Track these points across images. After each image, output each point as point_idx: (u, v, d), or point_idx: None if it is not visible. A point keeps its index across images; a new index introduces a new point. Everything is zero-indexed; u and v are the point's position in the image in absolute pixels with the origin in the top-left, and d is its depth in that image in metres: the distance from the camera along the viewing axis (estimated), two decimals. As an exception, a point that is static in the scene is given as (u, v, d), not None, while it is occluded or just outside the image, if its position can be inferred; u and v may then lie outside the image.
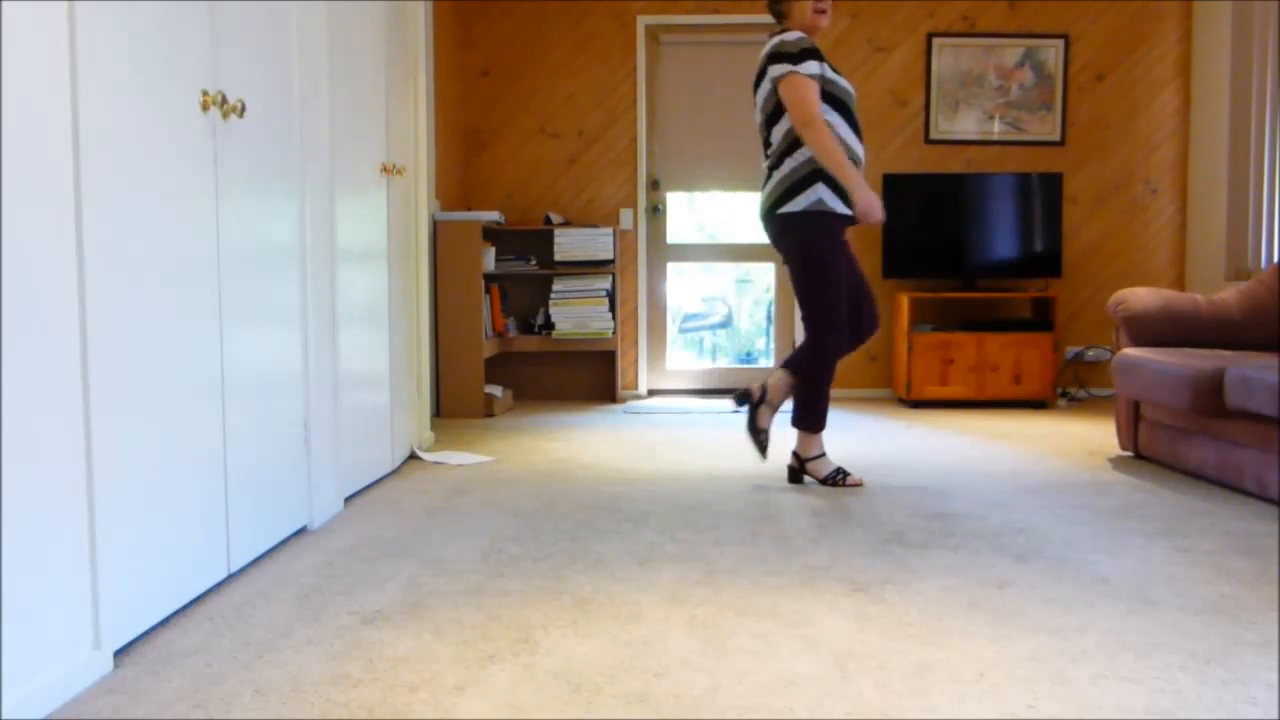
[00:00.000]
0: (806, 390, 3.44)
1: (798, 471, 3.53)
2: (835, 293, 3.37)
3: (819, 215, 3.34)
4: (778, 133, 3.39)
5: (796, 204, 3.35)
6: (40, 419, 1.67)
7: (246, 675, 1.85)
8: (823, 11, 3.39)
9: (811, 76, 3.29)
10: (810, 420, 3.45)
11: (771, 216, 3.42)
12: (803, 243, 3.36)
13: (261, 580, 2.42)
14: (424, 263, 4.29)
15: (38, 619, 1.67)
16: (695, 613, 2.18)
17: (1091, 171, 6.04)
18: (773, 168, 3.43)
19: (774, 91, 3.36)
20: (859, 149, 3.39)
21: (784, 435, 4.53)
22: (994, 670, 1.86)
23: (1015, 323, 5.63)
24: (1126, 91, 6.01)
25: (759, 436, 3.51)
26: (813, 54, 3.31)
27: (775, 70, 3.33)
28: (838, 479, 3.47)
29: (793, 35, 3.34)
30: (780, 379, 3.48)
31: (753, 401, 3.51)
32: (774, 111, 3.39)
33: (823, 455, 3.49)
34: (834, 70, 3.37)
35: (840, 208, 3.36)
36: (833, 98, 3.34)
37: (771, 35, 3.41)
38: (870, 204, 3.29)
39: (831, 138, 3.26)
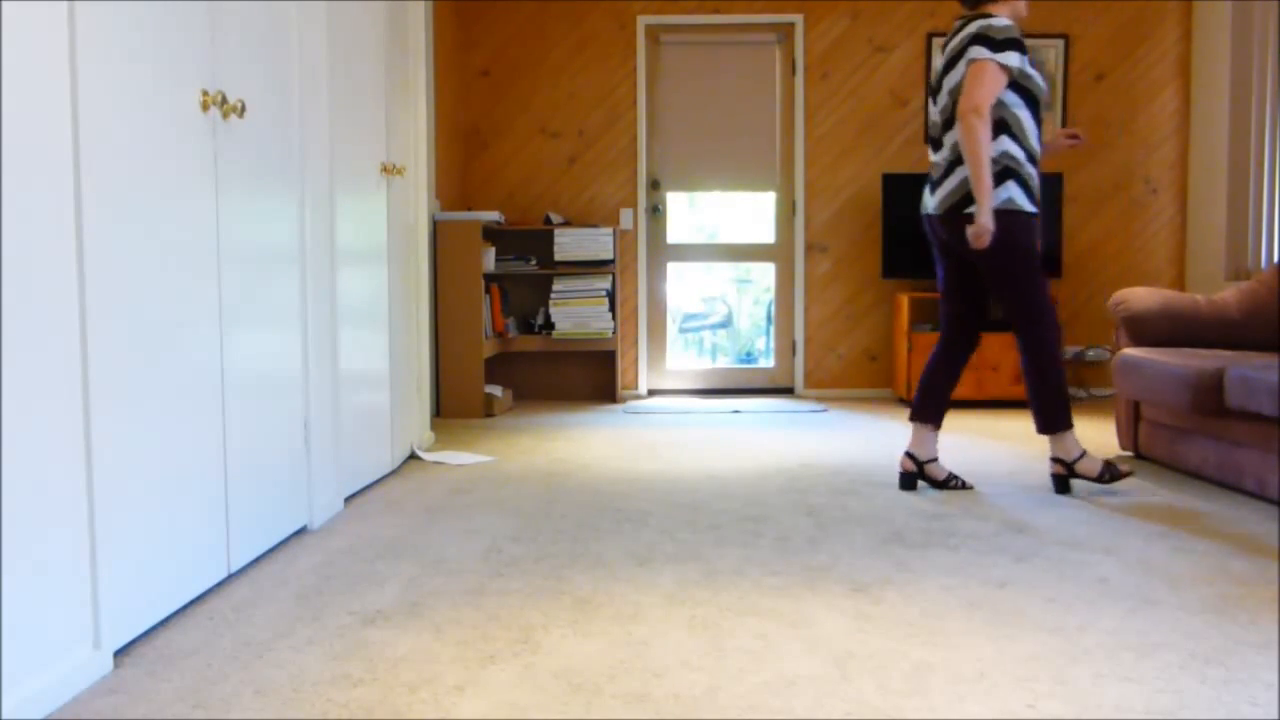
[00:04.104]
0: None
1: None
2: (1044, 282, 3.21)
3: (1011, 214, 3.17)
4: None
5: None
6: (40, 419, 1.67)
7: (246, 675, 1.85)
8: None
9: (1010, 68, 3.14)
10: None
11: (956, 217, 3.24)
12: (1001, 242, 3.18)
13: (261, 580, 2.42)
14: (424, 263, 4.29)
15: (38, 619, 1.67)
16: (695, 613, 2.18)
17: (1091, 171, 6.04)
18: (956, 162, 3.24)
19: None
20: (1039, 147, 3.24)
21: (799, 440, 4.51)
22: (994, 670, 1.86)
23: (1015, 323, 5.62)
24: (1126, 91, 6.01)
25: (1112, 471, 3.29)
26: (1017, 45, 3.16)
27: (975, 53, 3.15)
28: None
29: (1001, 21, 3.17)
30: (1052, 441, 3.31)
31: (1067, 476, 3.34)
32: None
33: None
34: (1032, 65, 3.22)
35: (1029, 206, 3.20)
36: (1027, 93, 3.20)
37: (969, 18, 3.25)
38: (984, 229, 3.11)
39: (989, 140, 3.11)
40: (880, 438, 4.55)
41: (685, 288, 6.47)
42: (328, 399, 3.04)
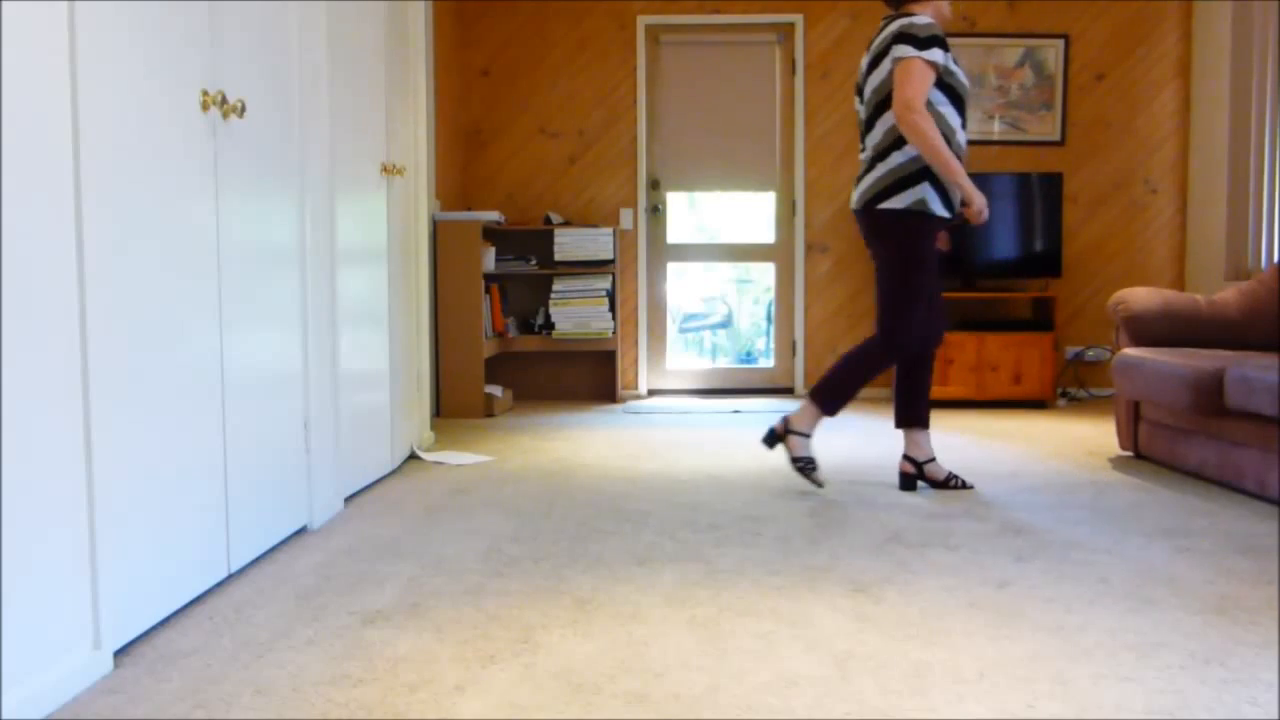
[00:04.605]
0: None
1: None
2: (919, 296, 3.26)
3: (919, 216, 3.21)
4: (889, 120, 3.24)
5: (898, 201, 3.21)
6: (40, 419, 1.67)
7: (246, 675, 1.85)
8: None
9: (934, 64, 3.16)
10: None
11: (870, 210, 3.29)
12: (898, 242, 3.23)
13: (261, 580, 2.42)
14: (424, 263, 4.29)
15: (38, 619, 1.67)
16: (695, 613, 2.18)
17: (1091, 171, 6.04)
18: (877, 158, 3.28)
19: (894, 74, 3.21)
20: (964, 147, 3.28)
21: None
22: (994, 670, 1.86)
23: (1015, 323, 5.63)
24: (1126, 91, 6.01)
25: (801, 465, 3.33)
26: (941, 42, 3.19)
27: (900, 51, 3.17)
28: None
29: (923, 20, 3.19)
30: (805, 405, 3.35)
31: (779, 436, 3.38)
32: (889, 96, 3.24)
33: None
34: (955, 63, 3.25)
35: (941, 210, 3.23)
36: (951, 90, 3.22)
37: (893, 17, 3.27)
38: (984, 204, 3.23)
39: (936, 130, 3.14)
40: (880, 438, 4.55)
41: (685, 288, 6.46)
42: (328, 399, 3.04)
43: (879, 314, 3.32)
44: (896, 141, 3.24)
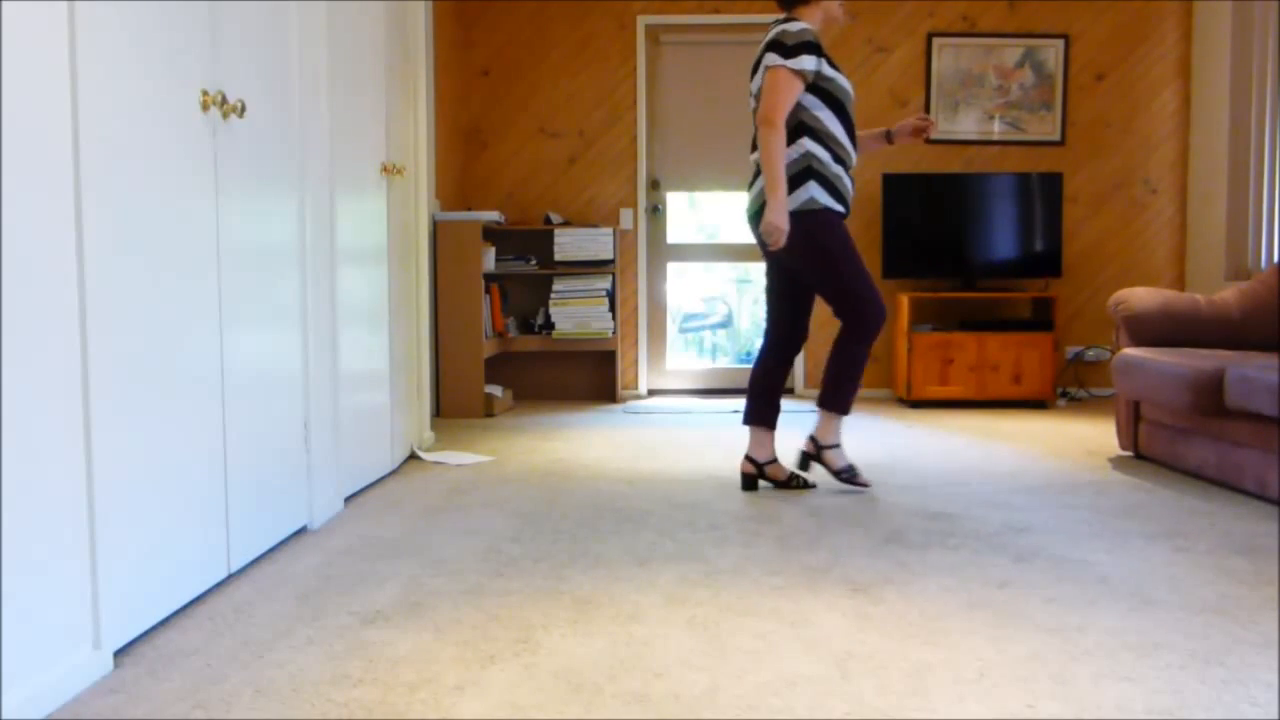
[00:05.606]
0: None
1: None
2: (860, 271, 3.23)
3: (813, 213, 3.21)
4: None
5: (789, 204, 3.22)
6: (40, 419, 1.67)
7: (246, 675, 1.85)
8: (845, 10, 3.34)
9: (805, 72, 3.15)
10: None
11: (760, 218, 3.27)
12: (807, 241, 3.22)
13: (261, 580, 2.42)
14: (424, 263, 4.29)
15: (38, 619, 1.67)
16: (695, 613, 2.18)
17: (1091, 171, 6.04)
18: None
19: None
20: (850, 149, 3.27)
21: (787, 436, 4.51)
22: (994, 670, 1.86)
23: (1015, 323, 5.63)
24: (1126, 91, 6.01)
25: (846, 476, 3.37)
26: (811, 48, 3.17)
27: (769, 60, 3.18)
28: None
29: (796, 26, 3.18)
30: (822, 418, 3.36)
31: (813, 457, 3.39)
32: None
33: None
34: (833, 67, 3.24)
35: (831, 203, 3.23)
36: (829, 95, 3.22)
37: (780, 21, 3.26)
38: (775, 228, 3.15)
39: (781, 149, 3.15)
40: (880, 438, 4.55)
41: (685, 288, 6.46)
42: (328, 399, 3.04)
43: (837, 308, 3.29)
44: None
